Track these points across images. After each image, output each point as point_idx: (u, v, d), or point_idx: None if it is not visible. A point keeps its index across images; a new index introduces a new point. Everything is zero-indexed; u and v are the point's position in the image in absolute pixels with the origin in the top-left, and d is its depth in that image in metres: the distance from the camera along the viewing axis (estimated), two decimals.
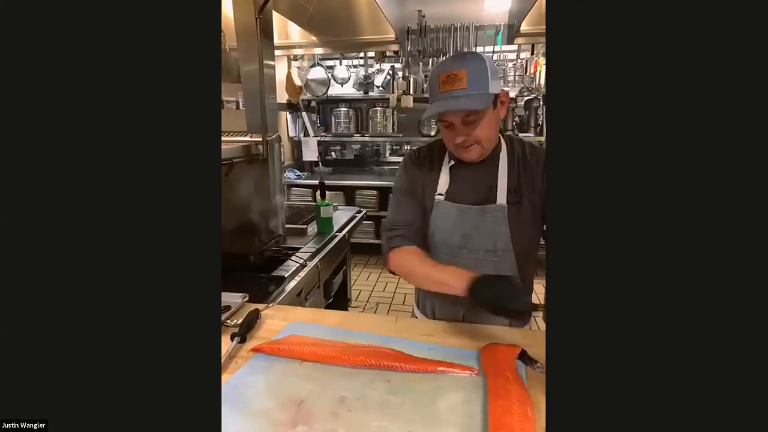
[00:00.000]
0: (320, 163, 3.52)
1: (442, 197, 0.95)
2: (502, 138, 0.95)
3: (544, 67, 3.35)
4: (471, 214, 0.92)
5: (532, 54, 3.41)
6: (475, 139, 0.86)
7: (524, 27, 2.50)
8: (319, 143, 3.80)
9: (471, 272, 0.81)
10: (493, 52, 3.48)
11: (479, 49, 3.45)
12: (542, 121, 3.42)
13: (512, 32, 2.72)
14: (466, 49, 3.41)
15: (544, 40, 3.00)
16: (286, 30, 2.73)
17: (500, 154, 0.93)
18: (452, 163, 0.96)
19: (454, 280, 0.81)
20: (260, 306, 1.00)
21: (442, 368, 0.74)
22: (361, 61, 3.79)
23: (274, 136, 1.55)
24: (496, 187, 0.90)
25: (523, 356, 0.77)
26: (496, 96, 0.85)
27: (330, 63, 3.79)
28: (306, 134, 3.86)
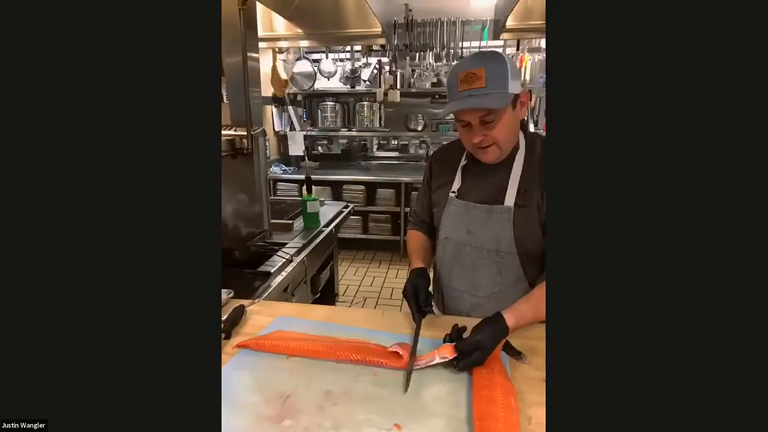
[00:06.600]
0: (306, 158, 3.49)
1: (454, 194, 0.98)
2: (524, 137, 0.94)
3: (530, 63, 3.38)
4: (477, 212, 0.93)
5: (518, 50, 3.43)
6: (492, 139, 0.86)
7: (510, 22, 2.51)
8: (306, 137, 3.76)
9: (423, 265, 0.99)
10: (480, 47, 3.49)
11: (465, 44, 3.46)
12: (527, 118, 3.46)
13: (498, 27, 2.72)
14: (452, 45, 3.42)
15: (530, 36, 3.02)
16: (270, 22, 2.68)
17: (517, 155, 0.92)
18: (465, 162, 0.98)
19: (410, 264, 1.02)
20: (245, 302, 0.99)
21: (425, 360, 0.74)
22: (348, 55, 3.76)
23: (259, 130, 1.53)
24: (506, 188, 0.90)
25: (507, 347, 0.78)
26: (516, 96, 0.84)
27: (316, 56, 3.74)
28: (292, 128, 3.82)
